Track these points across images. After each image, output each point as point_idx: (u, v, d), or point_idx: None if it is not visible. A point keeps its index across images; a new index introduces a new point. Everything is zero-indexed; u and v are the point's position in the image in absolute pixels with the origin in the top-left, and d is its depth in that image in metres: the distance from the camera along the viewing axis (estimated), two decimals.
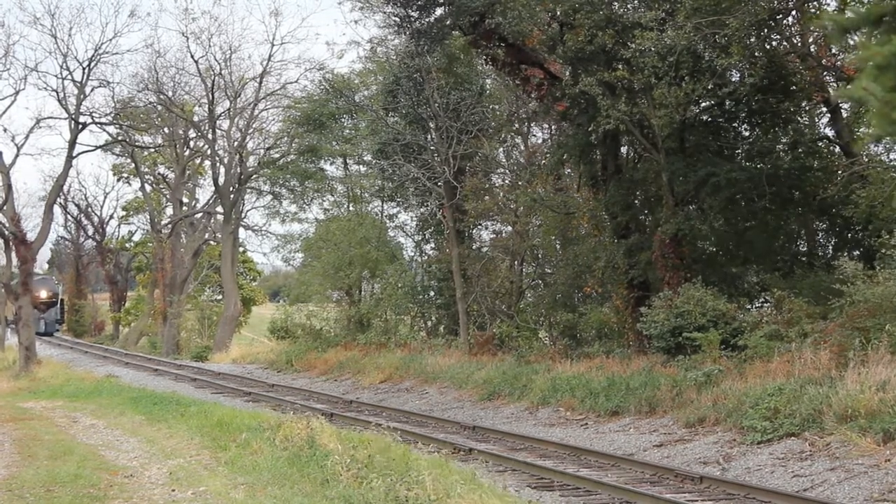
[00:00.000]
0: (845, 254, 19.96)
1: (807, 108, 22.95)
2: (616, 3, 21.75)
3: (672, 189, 21.13)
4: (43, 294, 57.85)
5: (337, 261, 34.20)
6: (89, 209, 61.89)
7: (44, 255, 70.26)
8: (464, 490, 9.23)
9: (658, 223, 21.48)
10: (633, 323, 21.15)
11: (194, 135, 47.20)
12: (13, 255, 34.22)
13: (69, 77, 33.37)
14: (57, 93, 33.15)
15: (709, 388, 16.39)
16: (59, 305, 60.66)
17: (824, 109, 22.28)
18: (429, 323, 34.13)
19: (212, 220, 49.54)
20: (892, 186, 15.29)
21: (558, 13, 21.43)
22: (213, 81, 40.86)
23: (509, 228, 31.00)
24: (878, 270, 16.77)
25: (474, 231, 32.35)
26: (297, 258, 44.07)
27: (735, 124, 22.80)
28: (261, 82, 41.48)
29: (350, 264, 34.06)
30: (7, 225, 31.20)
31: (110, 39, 62.17)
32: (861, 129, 21.45)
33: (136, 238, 62.99)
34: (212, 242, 50.97)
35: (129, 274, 63.90)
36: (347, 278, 34.54)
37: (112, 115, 37.09)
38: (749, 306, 21.96)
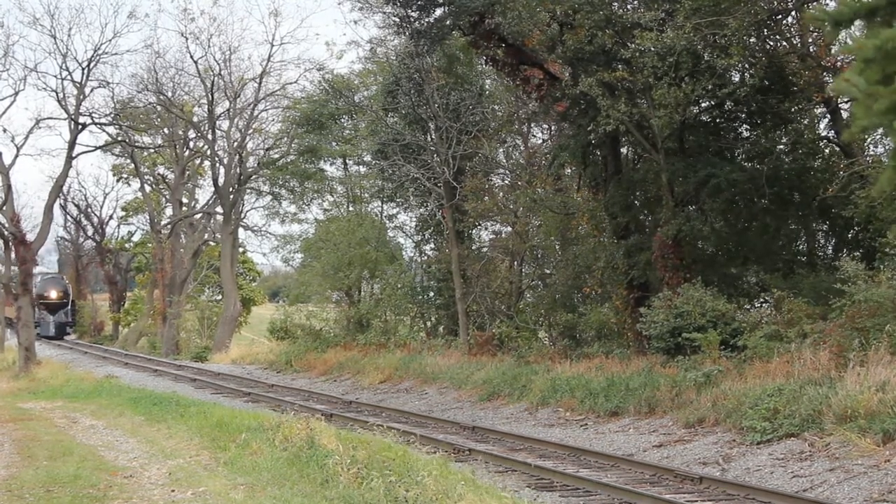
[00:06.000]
0: (844, 253, 19.95)
1: (807, 109, 22.94)
2: (616, 4, 21.75)
3: (672, 190, 21.13)
4: (53, 294, 55.94)
5: (336, 261, 34.19)
6: (89, 209, 61.77)
7: (52, 254, 69.97)
8: (463, 490, 9.23)
9: (658, 224, 21.47)
10: (633, 323, 21.14)
11: (194, 135, 47.20)
12: (13, 255, 34.22)
13: (69, 77, 33.42)
14: (56, 93, 33.20)
15: (708, 388, 16.38)
16: (70, 306, 57.95)
17: (824, 110, 22.28)
18: (428, 323, 34.12)
19: (211, 221, 49.54)
20: (887, 173, 15.21)
21: (558, 13, 21.42)
22: (213, 82, 40.84)
23: (509, 229, 31.00)
24: (881, 271, 16.73)
25: (474, 231, 32.37)
26: (296, 258, 44.12)
27: (735, 125, 22.81)
28: (260, 83, 41.49)
29: (350, 265, 34.05)
30: (7, 225, 31.19)
31: (110, 40, 61.52)
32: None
33: (135, 238, 62.86)
34: (211, 243, 50.95)
35: (129, 274, 63.73)
36: (347, 279, 34.53)
37: (112, 115, 37.09)
38: (749, 307, 21.95)
